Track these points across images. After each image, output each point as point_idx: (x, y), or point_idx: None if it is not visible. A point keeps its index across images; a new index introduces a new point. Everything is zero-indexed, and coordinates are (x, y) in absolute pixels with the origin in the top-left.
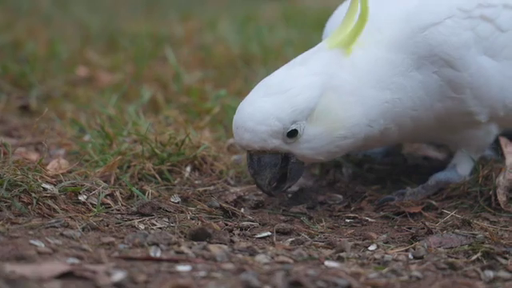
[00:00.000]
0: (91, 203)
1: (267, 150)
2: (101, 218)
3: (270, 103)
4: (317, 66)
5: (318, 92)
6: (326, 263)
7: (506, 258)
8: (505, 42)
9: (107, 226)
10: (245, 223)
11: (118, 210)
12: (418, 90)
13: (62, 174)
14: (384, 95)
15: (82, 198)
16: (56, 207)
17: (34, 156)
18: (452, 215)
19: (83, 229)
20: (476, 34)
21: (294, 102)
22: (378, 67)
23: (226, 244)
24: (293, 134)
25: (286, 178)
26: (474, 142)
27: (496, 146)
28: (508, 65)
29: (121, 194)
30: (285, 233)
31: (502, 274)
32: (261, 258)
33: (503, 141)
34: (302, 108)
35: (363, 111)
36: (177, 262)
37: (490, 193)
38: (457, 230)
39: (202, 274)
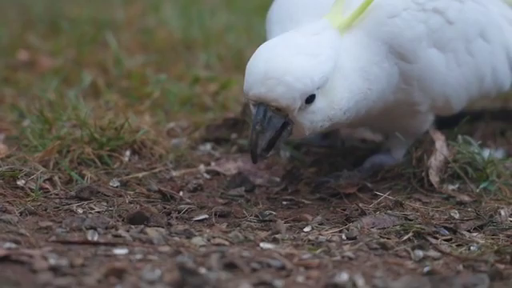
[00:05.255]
0: (30, 188)
1: (283, 109)
2: (39, 203)
3: (307, 63)
4: (330, 40)
5: (333, 66)
6: (262, 245)
7: (436, 238)
8: (452, 35)
9: (45, 210)
10: (183, 206)
11: (57, 195)
12: (384, 82)
13: (1, 158)
14: (364, 85)
15: (20, 182)
16: None
17: None
18: (385, 196)
19: (21, 213)
20: (428, 27)
21: (323, 68)
22: (363, 55)
23: (163, 227)
24: (310, 100)
25: (272, 145)
26: (411, 130)
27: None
28: (452, 57)
29: (60, 178)
30: (222, 215)
31: (432, 253)
32: (197, 240)
33: (431, 129)
34: (327, 76)
35: (348, 97)
36: (114, 245)
37: (423, 174)
38: (389, 211)
39: (139, 257)
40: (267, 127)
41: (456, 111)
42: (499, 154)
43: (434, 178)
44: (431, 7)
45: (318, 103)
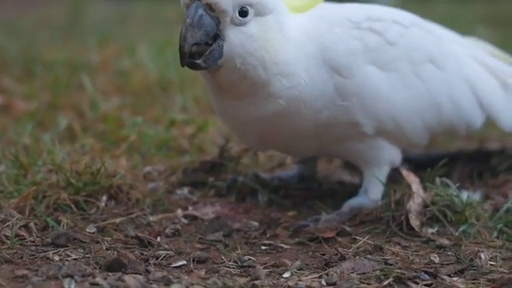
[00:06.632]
0: (5, 235)
1: (215, 8)
2: (15, 251)
3: None
4: None
5: (276, 4)
6: None
7: (416, 283)
8: (393, 55)
9: (21, 258)
10: (161, 252)
11: (33, 242)
12: (317, 90)
13: None
14: (301, 65)
15: None
16: None
17: None
18: (364, 241)
19: None
20: (364, 45)
21: None
22: (309, 44)
23: (141, 274)
24: (243, 14)
25: (202, 53)
26: (367, 157)
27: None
28: (396, 78)
29: (36, 224)
30: (201, 261)
31: None
32: (176, 287)
33: (404, 172)
34: (264, 4)
35: (284, 55)
36: None
37: (402, 218)
38: (369, 256)
39: None
40: (198, 25)
41: (419, 142)
42: (477, 196)
43: (414, 222)
44: (367, 26)
45: (252, 28)
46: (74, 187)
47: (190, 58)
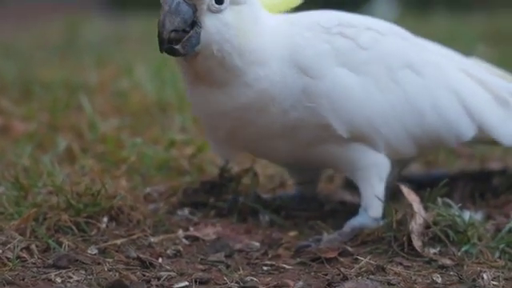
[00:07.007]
0: (6, 257)
1: None
2: (16, 272)
3: None
4: None
5: None
6: None
7: None
8: (365, 59)
9: (23, 280)
10: (162, 273)
11: (34, 264)
12: (286, 89)
13: None
14: (268, 67)
15: None
16: None
17: None
18: (367, 261)
19: None
20: (334, 48)
21: None
22: (282, 40)
23: None
24: (220, 1)
25: (180, 39)
26: (344, 161)
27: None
28: (370, 81)
29: (37, 246)
30: (203, 282)
31: None
32: None
33: (405, 190)
34: None
35: (257, 44)
36: None
37: (404, 238)
38: (371, 276)
39: None
40: (175, 12)
41: (405, 151)
42: (479, 216)
43: (416, 243)
44: (337, 31)
45: (227, 16)
46: (74, 209)
47: (168, 44)
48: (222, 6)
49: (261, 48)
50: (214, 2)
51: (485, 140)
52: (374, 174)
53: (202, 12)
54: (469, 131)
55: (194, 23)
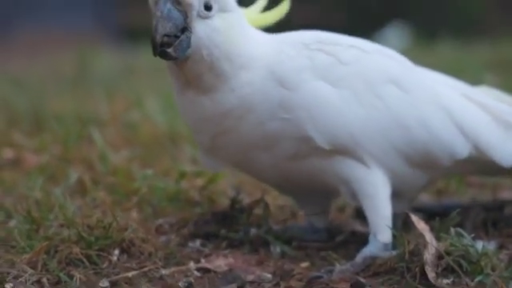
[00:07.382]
0: None
1: (182, 2)
2: None
3: None
4: None
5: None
6: None
7: None
8: (344, 73)
9: None
10: None
11: None
12: (265, 100)
13: None
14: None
15: (8, 286)
16: None
17: None
18: None
19: None
20: (313, 63)
21: None
22: (268, 50)
23: None
24: (208, 8)
25: (171, 44)
26: (331, 177)
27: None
28: (350, 94)
29: (48, 280)
30: None
31: None
32: None
33: (415, 218)
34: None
35: (246, 51)
36: None
37: (417, 269)
38: None
39: None
40: (167, 15)
41: (394, 167)
42: (492, 246)
43: (430, 274)
44: (317, 47)
45: (216, 22)
46: (85, 241)
47: (161, 48)
48: (211, 13)
49: (247, 54)
50: (203, 9)
51: (483, 159)
52: (375, 195)
53: (192, 18)
54: (463, 150)
55: (185, 29)
